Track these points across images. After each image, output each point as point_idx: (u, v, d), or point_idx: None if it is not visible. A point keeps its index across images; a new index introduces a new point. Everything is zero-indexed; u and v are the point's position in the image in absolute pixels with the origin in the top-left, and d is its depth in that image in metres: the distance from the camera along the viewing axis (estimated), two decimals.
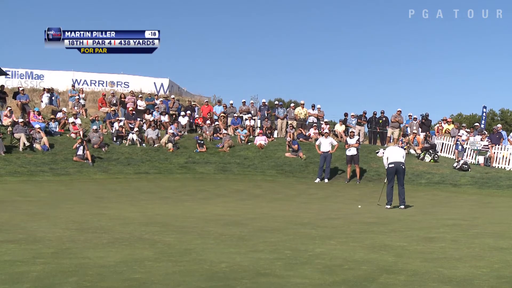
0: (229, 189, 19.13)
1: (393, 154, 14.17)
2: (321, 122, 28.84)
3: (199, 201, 15.27)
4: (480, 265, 5.51)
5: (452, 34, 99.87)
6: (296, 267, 5.40)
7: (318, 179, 21.80)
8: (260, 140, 26.62)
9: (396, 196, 14.35)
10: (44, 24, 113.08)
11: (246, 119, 29.49)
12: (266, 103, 30.31)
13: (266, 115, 29.10)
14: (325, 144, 21.93)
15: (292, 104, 30.23)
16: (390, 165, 14.02)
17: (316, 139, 24.27)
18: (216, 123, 28.57)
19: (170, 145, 25.19)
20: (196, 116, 29.70)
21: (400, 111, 28.23)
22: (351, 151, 21.69)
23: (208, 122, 27.94)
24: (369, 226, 9.06)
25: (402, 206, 13.89)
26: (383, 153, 15.56)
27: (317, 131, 27.68)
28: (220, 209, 12.43)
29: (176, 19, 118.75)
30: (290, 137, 26.46)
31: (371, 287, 4.62)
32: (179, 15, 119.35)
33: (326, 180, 21.80)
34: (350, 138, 22.44)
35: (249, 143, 27.03)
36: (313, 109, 29.37)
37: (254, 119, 29.50)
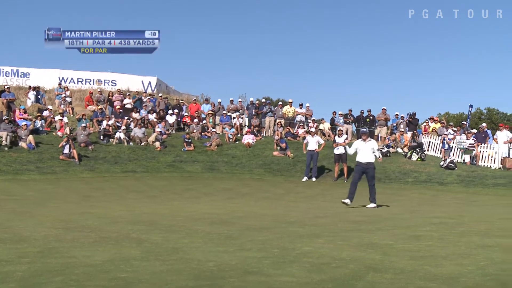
0: (216, 188, 19.11)
1: (362, 151, 13.25)
2: (309, 120, 28.93)
3: (186, 200, 15.25)
4: (466, 263, 5.55)
5: (452, 34, 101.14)
6: (284, 266, 5.41)
7: (305, 178, 21.86)
8: (248, 138, 26.63)
9: (365, 197, 14.22)
10: (27, 21, 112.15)
11: (234, 118, 29.53)
12: (254, 102, 30.35)
13: (254, 113, 29.13)
14: (312, 143, 21.99)
15: (280, 103, 30.32)
16: (357, 165, 13.41)
17: (304, 138, 24.32)
18: (204, 121, 28.54)
19: (157, 143, 25.12)
20: (184, 114, 29.68)
21: (385, 109, 28.35)
22: (339, 150, 21.75)
23: (195, 120, 27.89)
24: (356, 225, 9.09)
25: (372, 205, 13.17)
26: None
27: (305, 129, 27.75)
28: (207, 208, 12.43)
29: (164, 18, 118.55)
30: (278, 135, 26.50)
31: (358, 285, 4.64)
32: (167, 15, 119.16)
33: (313, 179, 21.86)
34: (338, 136, 22.56)
35: (237, 142, 27.04)
36: (301, 108, 29.43)
37: (242, 118, 29.52)
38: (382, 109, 28.34)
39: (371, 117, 28.35)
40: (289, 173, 23.21)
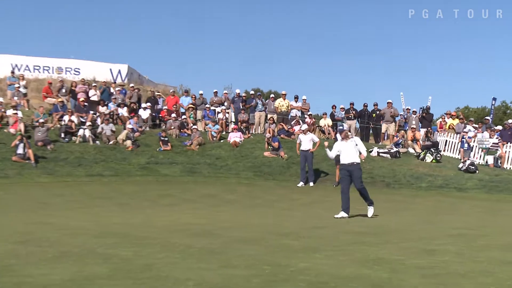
0: (198, 194, 19.10)
1: (343, 152, 13.45)
2: (305, 116, 28.97)
3: (162, 208, 15.22)
4: (488, 282, 5.58)
5: (452, 34, 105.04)
6: (276, 285, 5.41)
7: (301, 183, 21.86)
8: (235, 136, 26.65)
9: (360, 204, 14.26)
10: None
11: (218, 113, 29.49)
12: (239, 94, 30.37)
13: (241, 107, 29.16)
14: (305, 142, 21.92)
15: (272, 95, 30.37)
16: (342, 169, 13.52)
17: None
18: (183, 117, 28.53)
19: (128, 142, 25.07)
20: (160, 108, 29.62)
21: (391, 103, 28.41)
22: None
23: (173, 115, 27.88)
24: (360, 237, 9.11)
25: (372, 210, 13.32)
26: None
27: (307, 126, 27.84)
28: (187, 217, 12.42)
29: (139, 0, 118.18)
30: (269, 133, 26.52)
31: None
32: None
33: (311, 184, 21.88)
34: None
35: (221, 141, 27.06)
36: (296, 101, 29.53)
37: (228, 112, 29.54)
38: (388, 103, 28.39)
39: (377, 112, 28.45)
40: (282, 177, 23.25)
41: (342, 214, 13.00)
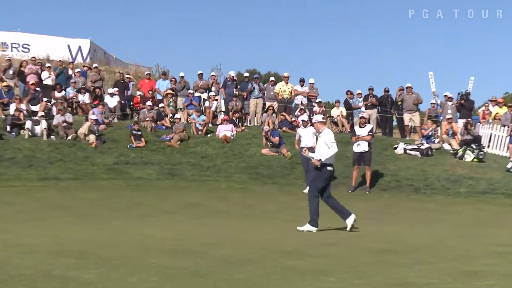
0: (179, 202, 19.14)
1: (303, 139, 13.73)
2: (313, 104, 29.00)
3: (134, 220, 15.24)
4: None
5: (451, 34, 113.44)
6: None
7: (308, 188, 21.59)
8: (225, 130, 26.69)
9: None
10: None
11: (204, 100, 29.48)
12: (233, 77, 30.34)
13: (234, 93, 29.19)
14: (307, 138, 21.56)
15: (272, 78, 30.42)
16: (330, 167, 13.55)
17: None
18: (161, 105, 28.50)
19: (92, 137, 25.07)
20: (132, 94, 29.59)
21: (411, 88, 27.93)
22: (361, 147, 21.76)
23: (148, 104, 27.87)
24: (381, 255, 9.12)
25: (352, 219, 13.44)
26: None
27: (307, 116, 27.81)
28: (165, 232, 12.42)
29: None
30: (268, 125, 26.49)
31: None
32: None
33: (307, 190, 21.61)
34: (360, 127, 22.37)
35: (208, 135, 27.13)
36: (302, 86, 29.60)
37: (217, 100, 29.57)
38: (407, 88, 28.17)
39: (405, 98, 28.39)
40: (285, 180, 23.23)
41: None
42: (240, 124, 28.32)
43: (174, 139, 25.75)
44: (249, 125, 29.10)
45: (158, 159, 24.55)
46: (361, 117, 22.81)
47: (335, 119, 28.87)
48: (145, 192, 20.66)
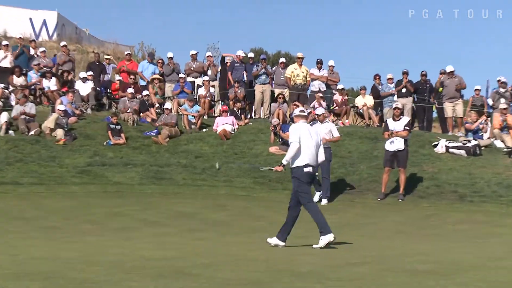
0: (167, 212, 19.21)
1: (308, 144, 13.80)
2: (333, 91, 28.96)
3: (112, 233, 15.27)
4: None
5: (451, 34, 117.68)
6: None
7: (317, 195, 21.28)
8: (225, 123, 26.69)
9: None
10: None
11: (198, 86, 29.46)
12: (234, 58, 30.30)
13: (243, 79, 29.29)
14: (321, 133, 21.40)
15: (282, 60, 30.37)
16: (306, 169, 13.67)
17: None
18: (145, 93, 28.45)
19: (59, 132, 25.06)
20: (110, 79, 29.58)
21: (453, 71, 27.77)
22: (396, 144, 21.53)
23: (130, 91, 27.86)
24: (419, 277, 9.08)
25: (324, 240, 13.44)
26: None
27: (325, 107, 27.72)
28: (150, 249, 12.41)
29: None
30: (278, 117, 26.48)
31: None
32: None
33: (323, 200, 21.29)
34: (394, 119, 22.17)
35: (204, 130, 27.23)
36: (319, 69, 29.58)
37: (214, 86, 29.55)
38: (449, 73, 27.99)
39: (428, 85, 28.32)
40: None
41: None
42: (243, 116, 28.26)
43: (162, 135, 25.74)
44: (254, 117, 29.07)
45: (142, 159, 24.57)
46: (395, 108, 22.53)
47: (360, 110, 28.81)
48: (126, 200, 20.70)
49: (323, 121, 21.59)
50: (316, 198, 21.19)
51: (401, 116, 22.42)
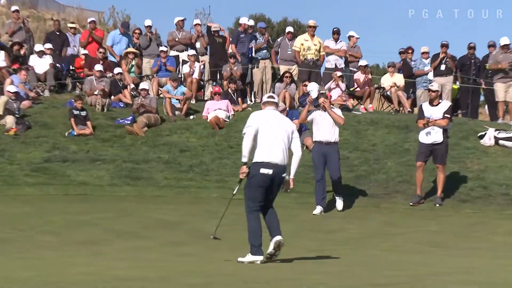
0: (145, 220, 19.21)
1: (269, 136, 13.72)
2: (353, 68, 28.97)
3: (77, 247, 15.27)
4: None
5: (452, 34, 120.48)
6: None
7: (318, 208, 21.08)
8: (217, 108, 26.71)
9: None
10: None
11: (184, 62, 29.44)
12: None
13: (251, 53, 29.39)
14: (325, 126, 21.01)
15: (289, 29, 30.44)
16: (263, 170, 13.54)
17: (344, 106, 24.20)
18: (117, 70, 28.39)
19: (10, 120, 25.02)
20: (75, 54, 29.52)
21: (508, 44, 27.76)
22: (433, 136, 21.32)
23: (98, 68, 27.80)
24: None
25: (340, 203, 13.68)
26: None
27: (343, 89, 27.69)
28: (125, 267, 12.34)
29: None
30: (284, 102, 26.40)
31: None
32: None
33: (339, 206, 20.80)
34: (432, 104, 21.96)
35: (191, 117, 27.30)
36: (336, 41, 29.55)
37: (203, 63, 29.57)
38: (503, 46, 27.88)
39: (498, 58, 28.15)
40: (308, 186, 22.99)
41: (317, 210, 15.12)
42: (240, 100, 28.25)
43: (138, 123, 25.69)
44: (253, 101, 29.03)
45: (113, 154, 24.58)
46: (430, 90, 22.33)
47: (388, 92, 28.70)
48: (93, 205, 20.67)
49: (330, 106, 21.21)
50: (316, 210, 20.98)
51: (440, 100, 22.17)
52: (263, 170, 13.27)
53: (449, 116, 21.63)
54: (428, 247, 16.22)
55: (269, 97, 14.33)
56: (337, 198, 21.31)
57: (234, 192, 14.54)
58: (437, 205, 21.72)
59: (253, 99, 29.23)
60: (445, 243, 16.96)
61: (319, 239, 16.96)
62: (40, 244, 15.58)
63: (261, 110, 13.97)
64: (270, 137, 13.34)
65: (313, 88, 24.55)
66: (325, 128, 20.85)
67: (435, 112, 21.42)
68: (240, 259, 13.34)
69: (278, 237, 13.37)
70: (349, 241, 17.04)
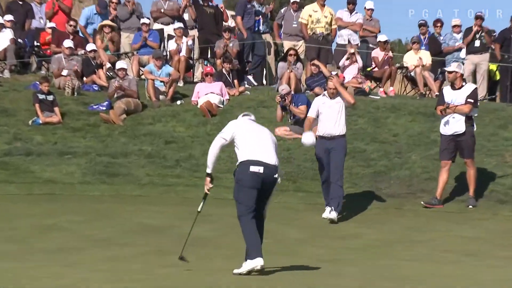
0: (125, 224, 19.21)
1: (253, 137, 14.21)
2: (371, 44, 29.08)
3: (44, 256, 15.25)
4: None
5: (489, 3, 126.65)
6: None
7: (328, 209, 20.95)
8: (209, 92, 26.75)
9: None
10: None
11: (170, 37, 29.49)
12: None
13: (260, 26, 29.34)
14: (329, 116, 20.87)
15: None
16: (253, 167, 13.79)
17: (360, 90, 24.24)
18: (90, 47, 28.39)
19: None
20: (40, 28, 29.55)
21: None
22: (453, 125, 21.22)
23: (68, 44, 27.80)
24: None
25: (331, 215, 14.70)
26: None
27: (359, 67, 27.71)
28: (101, 279, 12.33)
29: None
30: (287, 83, 26.41)
31: None
32: None
33: (332, 213, 20.90)
34: (454, 87, 21.89)
35: (178, 102, 27.41)
36: (350, 12, 29.72)
37: (192, 39, 29.63)
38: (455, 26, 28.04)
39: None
40: (317, 184, 23.01)
41: (328, 213, 16.15)
42: (236, 82, 28.26)
43: (115, 110, 25.69)
44: (252, 85, 29.04)
45: (86, 146, 24.60)
46: (447, 72, 22.17)
47: (412, 73, 28.68)
48: (63, 207, 20.69)
49: (336, 95, 20.99)
50: (327, 214, 20.82)
51: (464, 83, 21.88)
52: (253, 168, 13.44)
53: (472, 101, 21.27)
54: (460, 257, 16.20)
55: (244, 115, 14.55)
56: (328, 208, 20.29)
57: (199, 210, 14.50)
58: (470, 206, 21.66)
59: (252, 83, 29.18)
60: (480, 251, 16.91)
61: (331, 247, 16.97)
62: (0, 253, 15.55)
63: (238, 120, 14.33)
64: (253, 138, 13.74)
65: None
66: (329, 119, 20.58)
67: (457, 96, 21.20)
68: (236, 270, 13.33)
69: (259, 261, 13.39)
70: (366, 249, 17.01)
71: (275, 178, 13.70)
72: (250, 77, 29.72)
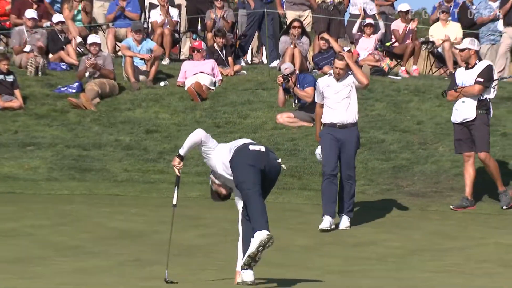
0: (98, 228, 19.21)
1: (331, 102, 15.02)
2: (389, 15, 29.03)
3: (1, 267, 15.16)
4: None
5: None
6: None
7: (326, 218, 20.86)
8: (199, 72, 26.72)
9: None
10: None
11: (152, 7, 29.42)
12: None
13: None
14: (338, 100, 20.95)
15: None
16: (253, 146, 13.86)
17: (377, 69, 24.28)
18: (57, 18, 28.40)
19: None
20: None
21: None
22: (461, 111, 20.84)
23: (30, 15, 27.77)
24: None
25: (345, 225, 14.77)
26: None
27: (376, 42, 27.73)
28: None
29: None
30: (290, 61, 26.42)
31: None
32: None
33: (344, 222, 20.77)
34: (468, 67, 21.77)
35: (162, 83, 27.47)
36: None
37: (179, 9, 29.40)
38: None
39: None
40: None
41: (325, 223, 16.82)
42: (230, 59, 28.23)
43: (87, 93, 25.67)
44: (249, 62, 29.06)
45: (52, 135, 24.62)
46: (460, 50, 21.85)
47: (439, 48, 28.69)
48: (24, 208, 20.66)
49: (343, 76, 20.78)
50: (324, 224, 20.68)
51: (477, 61, 21.46)
52: (253, 147, 13.55)
53: (482, 80, 20.72)
54: (498, 266, 16.18)
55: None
56: (326, 217, 20.00)
57: (174, 202, 14.28)
58: (504, 207, 21.53)
59: (249, 59, 29.20)
60: (496, 259, 16.87)
61: (343, 256, 16.97)
62: None
63: None
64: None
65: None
66: (336, 105, 20.44)
67: (468, 77, 20.85)
68: (240, 279, 13.11)
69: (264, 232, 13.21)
70: (386, 258, 16.98)
71: (278, 163, 13.72)
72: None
